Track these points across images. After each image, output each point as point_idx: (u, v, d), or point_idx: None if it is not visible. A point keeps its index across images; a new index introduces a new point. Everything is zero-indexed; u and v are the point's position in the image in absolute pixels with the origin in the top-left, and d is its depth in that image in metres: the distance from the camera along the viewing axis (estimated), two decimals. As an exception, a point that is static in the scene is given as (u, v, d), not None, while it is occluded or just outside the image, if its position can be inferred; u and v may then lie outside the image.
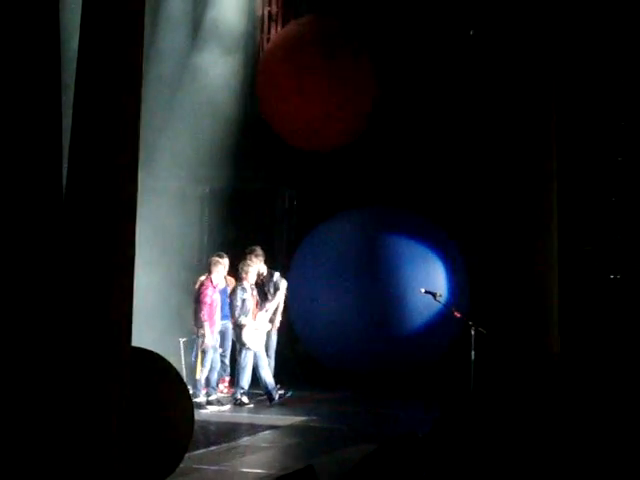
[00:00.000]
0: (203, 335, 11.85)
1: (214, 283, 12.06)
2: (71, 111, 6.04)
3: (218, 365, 12.23)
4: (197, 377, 11.87)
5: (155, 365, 7.11)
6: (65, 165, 6.07)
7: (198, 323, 11.93)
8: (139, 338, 6.79)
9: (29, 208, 5.79)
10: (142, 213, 6.67)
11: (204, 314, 11.85)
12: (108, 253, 5.92)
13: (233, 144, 14.40)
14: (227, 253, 12.88)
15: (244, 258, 12.44)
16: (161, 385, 7.04)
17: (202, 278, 12.19)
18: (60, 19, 6.06)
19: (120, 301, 5.95)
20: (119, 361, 5.90)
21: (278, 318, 12.54)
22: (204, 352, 11.89)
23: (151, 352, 7.16)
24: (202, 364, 11.90)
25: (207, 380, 12.01)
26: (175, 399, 7.13)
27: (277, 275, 12.66)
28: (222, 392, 12.50)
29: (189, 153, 14.05)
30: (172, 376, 7.29)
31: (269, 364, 12.38)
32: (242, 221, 15.09)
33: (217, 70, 14.22)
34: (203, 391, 11.95)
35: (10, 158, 5.76)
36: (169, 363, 7.33)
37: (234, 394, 12.12)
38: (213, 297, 11.98)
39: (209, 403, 11.82)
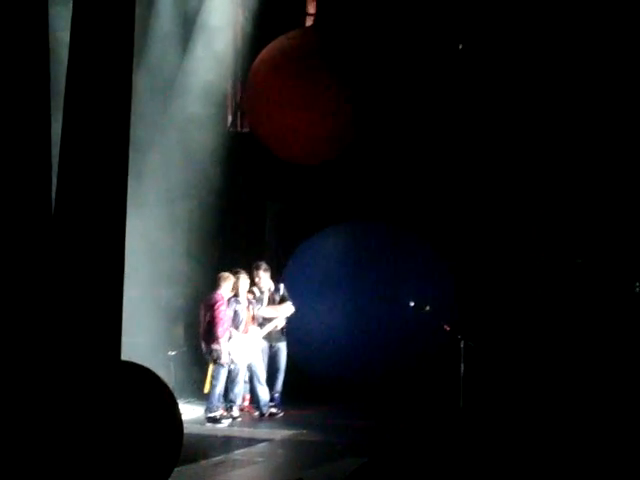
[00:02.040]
0: (218, 350, 11.80)
1: (224, 298, 11.98)
2: (60, 121, 6.04)
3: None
4: (205, 391, 11.83)
5: (144, 378, 7.08)
6: (55, 177, 6.06)
7: (212, 339, 11.83)
8: (128, 351, 6.77)
9: (19, 220, 5.78)
10: (130, 227, 6.66)
11: (220, 330, 11.78)
12: (98, 265, 5.91)
13: (222, 158, 14.40)
14: (216, 267, 12.90)
15: (251, 273, 12.48)
16: (150, 399, 7.01)
17: (213, 294, 12.04)
18: (50, 26, 6.05)
19: (110, 314, 5.94)
20: (108, 373, 5.89)
21: (269, 327, 12.44)
22: (218, 366, 11.83)
23: (140, 365, 7.14)
24: (215, 378, 11.85)
25: (225, 395, 11.99)
26: (164, 413, 7.10)
27: (282, 287, 12.67)
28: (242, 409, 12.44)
29: (177, 167, 14.04)
30: (161, 390, 7.26)
31: (278, 379, 12.42)
32: (231, 235, 15.08)
33: (205, 83, 14.23)
34: (220, 405, 11.91)
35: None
36: (158, 376, 7.31)
37: (226, 408, 12.09)
38: (226, 312, 11.93)
39: (221, 418, 11.80)
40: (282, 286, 12.68)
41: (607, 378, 12.38)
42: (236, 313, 12.05)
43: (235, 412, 12.02)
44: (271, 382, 12.49)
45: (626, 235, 13.41)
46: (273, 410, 12.22)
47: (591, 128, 13.50)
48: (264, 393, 12.19)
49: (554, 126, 13.67)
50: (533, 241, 14.07)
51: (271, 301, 12.54)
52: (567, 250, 13.71)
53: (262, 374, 12.26)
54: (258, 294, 12.52)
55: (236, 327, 12.02)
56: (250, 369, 12.21)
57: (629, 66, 13.22)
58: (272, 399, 12.43)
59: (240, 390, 12.12)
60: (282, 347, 12.61)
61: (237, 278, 12.16)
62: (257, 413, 12.32)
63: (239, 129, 15.43)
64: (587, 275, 13.57)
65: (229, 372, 11.99)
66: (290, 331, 12.74)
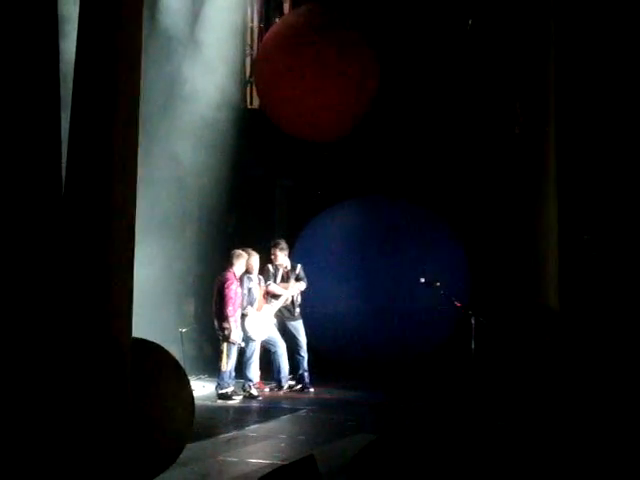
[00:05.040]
0: (228, 329, 11.82)
1: (237, 276, 12.00)
2: (69, 105, 6.03)
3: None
4: (223, 369, 11.86)
5: (155, 355, 7.10)
6: (64, 160, 6.06)
7: (222, 317, 11.83)
8: (139, 329, 6.79)
9: (29, 204, 5.78)
10: (140, 205, 6.65)
11: (230, 309, 11.78)
12: (108, 246, 5.91)
13: (232, 134, 14.38)
14: (226, 244, 12.93)
15: (270, 251, 12.53)
16: (161, 375, 7.03)
17: (225, 272, 11.98)
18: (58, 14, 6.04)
19: (120, 293, 5.94)
20: (120, 354, 5.90)
21: (278, 304, 12.46)
22: (229, 344, 11.86)
23: (151, 342, 7.16)
24: (228, 356, 11.89)
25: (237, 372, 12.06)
26: (175, 389, 7.12)
27: (299, 267, 12.67)
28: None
29: (188, 143, 14.02)
30: (172, 366, 7.28)
31: (303, 359, 12.47)
32: (241, 212, 15.09)
33: (216, 60, 14.18)
34: (231, 382, 11.96)
35: (9, 156, 5.75)
36: (169, 353, 7.33)
37: (242, 386, 12.10)
38: (237, 291, 11.94)
39: (232, 394, 11.85)
40: (299, 266, 12.67)
41: (617, 358, 12.37)
42: (250, 291, 12.08)
43: (254, 391, 12.03)
44: (294, 361, 12.55)
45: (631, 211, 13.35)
46: (292, 382, 12.31)
47: (600, 109, 13.43)
48: (285, 365, 12.26)
49: (563, 102, 13.59)
50: (544, 214, 14.01)
51: (285, 279, 12.54)
52: (575, 227, 13.67)
53: (284, 346, 12.31)
54: (272, 271, 12.54)
55: (251, 304, 12.06)
56: (271, 343, 12.25)
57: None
58: (301, 378, 12.49)
59: (256, 368, 12.14)
60: (296, 326, 12.62)
61: (249, 255, 12.18)
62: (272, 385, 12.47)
63: (249, 105, 15.41)
64: (595, 251, 13.54)
65: (244, 350, 12.02)
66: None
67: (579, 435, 8.51)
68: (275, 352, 12.30)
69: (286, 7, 15.32)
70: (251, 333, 12.03)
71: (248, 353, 12.06)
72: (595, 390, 10.87)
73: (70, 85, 6.04)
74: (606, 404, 10.08)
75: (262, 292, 12.31)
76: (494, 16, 14.07)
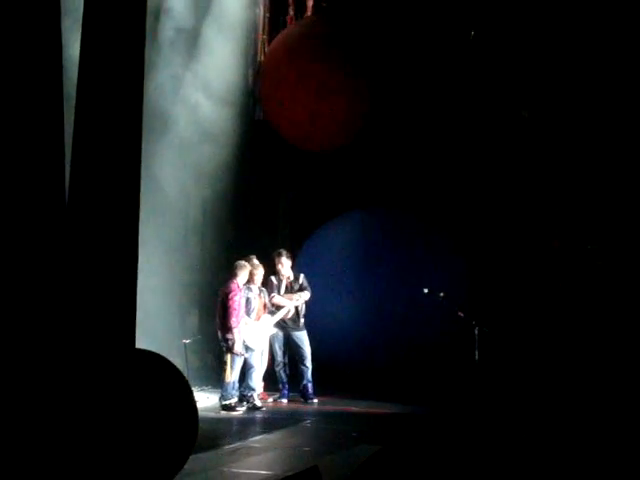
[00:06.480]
0: (232, 340, 11.81)
1: (240, 287, 11.98)
2: (73, 111, 6.04)
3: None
4: (226, 380, 11.82)
5: (158, 366, 7.10)
6: (67, 167, 6.07)
7: (226, 328, 11.83)
8: (142, 340, 6.79)
9: (33, 212, 5.79)
10: (144, 216, 6.66)
11: (234, 320, 11.77)
12: (111, 255, 5.92)
13: (235, 146, 14.39)
14: (230, 255, 12.93)
15: (272, 261, 12.50)
16: (164, 386, 7.03)
17: (229, 283, 11.97)
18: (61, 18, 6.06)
19: (124, 302, 5.95)
20: (122, 361, 5.91)
21: (280, 315, 12.44)
22: (233, 355, 11.84)
23: (154, 353, 7.15)
24: (231, 367, 11.86)
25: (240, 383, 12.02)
26: (179, 400, 7.12)
27: (302, 277, 12.66)
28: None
29: (191, 155, 14.03)
30: (176, 377, 7.28)
31: (307, 368, 12.43)
32: (244, 223, 15.09)
33: (220, 70, 14.20)
34: (235, 393, 11.93)
35: (13, 163, 5.77)
36: (172, 364, 7.33)
37: (245, 396, 12.07)
38: (241, 302, 11.92)
39: (235, 405, 11.82)
40: (302, 276, 12.66)
41: (618, 365, 12.37)
42: (248, 300, 12.07)
43: (257, 402, 12.00)
44: (298, 372, 12.52)
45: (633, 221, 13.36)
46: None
47: (602, 114, 13.45)
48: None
49: (566, 111, 13.62)
50: (545, 227, 14.04)
51: (289, 290, 12.53)
52: (578, 236, 13.69)
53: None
54: (276, 282, 12.51)
55: (248, 314, 12.03)
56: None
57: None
58: (304, 389, 12.47)
59: (258, 377, 12.13)
60: (301, 336, 12.59)
61: (252, 265, 12.16)
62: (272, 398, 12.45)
63: (253, 117, 15.42)
64: (598, 261, 13.55)
65: (244, 361, 11.99)
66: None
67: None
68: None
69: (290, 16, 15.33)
70: (250, 343, 12.00)
71: (249, 363, 12.03)
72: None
73: (73, 91, 6.06)
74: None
75: (262, 303, 12.29)
76: (497, 25, 14.13)
